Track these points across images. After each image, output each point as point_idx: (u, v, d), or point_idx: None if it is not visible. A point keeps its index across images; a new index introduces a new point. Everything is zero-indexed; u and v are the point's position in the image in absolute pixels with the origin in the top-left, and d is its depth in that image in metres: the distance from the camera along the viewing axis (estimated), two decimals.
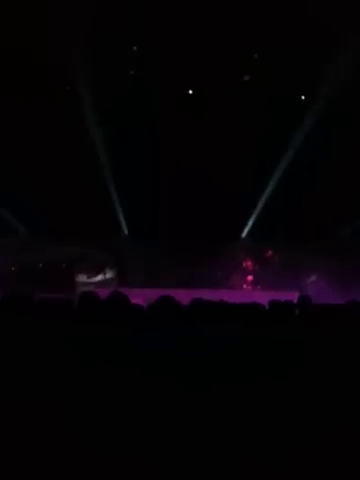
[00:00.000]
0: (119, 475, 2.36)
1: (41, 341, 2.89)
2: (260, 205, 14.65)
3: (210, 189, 13.88)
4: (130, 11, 10.25)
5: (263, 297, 6.02)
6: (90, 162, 13.41)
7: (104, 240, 14.82)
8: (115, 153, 13.53)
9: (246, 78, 12.59)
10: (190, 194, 13.78)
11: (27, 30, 10.31)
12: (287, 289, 12.91)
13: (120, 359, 2.78)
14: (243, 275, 15.78)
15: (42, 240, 14.70)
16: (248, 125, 12.91)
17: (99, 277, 15.10)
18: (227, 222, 14.10)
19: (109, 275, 15.18)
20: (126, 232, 15.55)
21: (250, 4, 10.11)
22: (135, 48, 11.91)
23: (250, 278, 15.76)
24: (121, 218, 15.19)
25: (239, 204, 14.02)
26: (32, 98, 12.20)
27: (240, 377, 2.78)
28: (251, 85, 12.56)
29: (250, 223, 15.21)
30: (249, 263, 15.83)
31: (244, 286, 15.72)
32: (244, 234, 15.53)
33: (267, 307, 4.05)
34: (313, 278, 15.23)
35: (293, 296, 8.19)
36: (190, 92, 13.05)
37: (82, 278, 14.96)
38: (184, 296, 4.17)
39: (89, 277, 15.00)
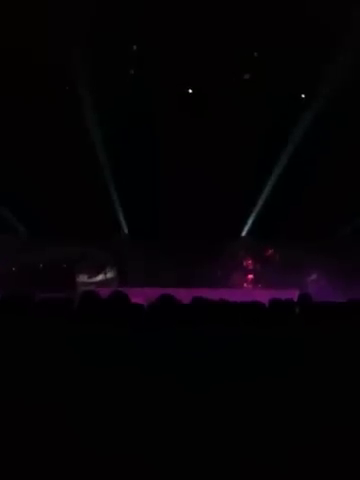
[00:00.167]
0: (119, 475, 2.36)
1: (41, 341, 2.90)
2: (260, 204, 14.66)
3: (210, 188, 13.88)
4: (130, 11, 10.25)
5: (263, 295, 6.01)
6: (90, 162, 13.42)
7: (104, 240, 14.84)
8: (115, 153, 13.53)
9: (246, 77, 12.59)
10: (190, 193, 13.78)
11: (27, 30, 10.31)
12: (287, 287, 12.91)
13: (120, 358, 2.78)
14: (243, 274, 15.78)
15: (42, 240, 14.70)
16: (248, 124, 12.90)
17: (100, 277, 15.10)
18: (227, 221, 14.10)
19: (110, 275, 15.19)
20: (126, 232, 15.55)
21: (250, 3, 10.11)
22: (135, 48, 11.91)
23: (250, 277, 15.76)
24: (121, 218, 15.19)
25: (239, 203, 14.03)
26: (32, 98, 12.20)
27: (240, 376, 2.78)
28: (251, 84, 12.55)
29: (250, 222, 15.21)
30: (249, 262, 15.83)
31: (244, 285, 15.72)
32: (244, 233, 15.54)
33: (268, 305, 4.05)
34: (314, 276, 15.23)
35: (294, 294, 8.19)
36: (190, 92, 13.05)
37: (83, 278, 14.96)
38: (184, 295, 4.17)
39: (90, 277, 15.01)
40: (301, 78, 12.04)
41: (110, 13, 10.31)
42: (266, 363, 2.88)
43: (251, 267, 15.81)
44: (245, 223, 15.31)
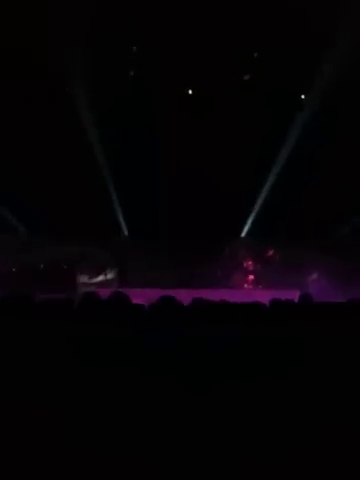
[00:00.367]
0: (120, 475, 2.36)
1: (41, 341, 2.89)
2: (260, 204, 14.66)
3: (210, 188, 13.89)
4: (130, 11, 10.25)
5: (264, 296, 6.01)
6: (90, 162, 13.43)
7: (104, 240, 14.84)
8: (115, 153, 13.54)
9: (246, 77, 12.59)
10: (190, 193, 13.79)
11: (27, 30, 10.31)
12: (288, 288, 12.91)
13: (121, 359, 2.78)
14: (244, 274, 15.78)
15: (42, 240, 14.70)
16: (248, 124, 12.91)
17: (100, 277, 15.11)
18: (227, 221, 14.10)
19: (110, 275, 15.19)
20: (126, 232, 15.55)
21: (250, 4, 10.11)
22: (135, 48, 11.91)
23: (251, 277, 15.75)
24: (121, 218, 15.19)
25: (239, 203, 14.03)
26: (32, 98, 12.21)
27: (241, 376, 2.78)
28: (251, 84, 12.56)
29: (250, 222, 15.21)
30: (250, 262, 15.83)
31: (245, 285, 15.72)
32: (244, 233, 15.54)
33: (268, 306, 4.04)
34: (314, 276, 15.23)
35: (294, 295, 8.21)
36: (190, 92, 13.05)
37: (83, 279, 14.96)
38: (185, 296, 4.16)
39: (90, 278, 15.01)
40: (301, 77, 12.04)
41: (110, 13, 10.31)
42: (266, 363, 2.88)
43: (251, 268, 15.81)
44: (245, 223, 15.31)
